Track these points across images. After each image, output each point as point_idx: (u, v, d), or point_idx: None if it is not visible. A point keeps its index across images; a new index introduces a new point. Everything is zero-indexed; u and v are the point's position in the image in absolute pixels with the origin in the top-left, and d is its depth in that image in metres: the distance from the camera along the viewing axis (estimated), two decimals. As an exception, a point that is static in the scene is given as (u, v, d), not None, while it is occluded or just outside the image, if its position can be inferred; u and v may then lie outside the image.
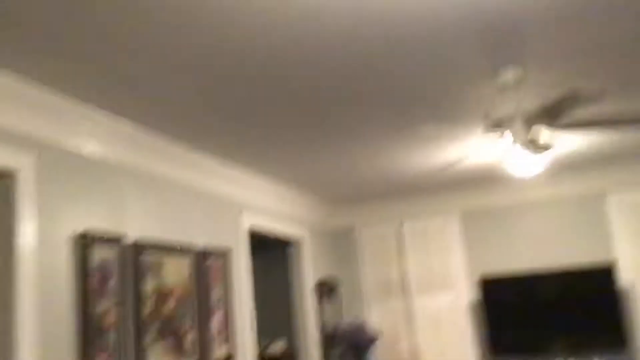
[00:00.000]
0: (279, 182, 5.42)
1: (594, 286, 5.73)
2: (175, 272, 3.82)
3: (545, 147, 3.51)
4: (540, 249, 6.11)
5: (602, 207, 5.99)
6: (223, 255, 4.39)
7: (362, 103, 3.57)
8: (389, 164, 5.15)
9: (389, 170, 5.36)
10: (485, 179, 6.05)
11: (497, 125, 3.22)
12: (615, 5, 2.60)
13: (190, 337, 3.87)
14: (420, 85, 3.33)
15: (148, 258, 3.58)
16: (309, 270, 6.02)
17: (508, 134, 3.25)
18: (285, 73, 3.06)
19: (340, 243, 6.87)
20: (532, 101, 3.09)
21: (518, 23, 2.71)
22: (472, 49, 2.94)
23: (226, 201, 4.68)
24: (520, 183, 6.18)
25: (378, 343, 6.29)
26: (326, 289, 6.34)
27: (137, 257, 3.50)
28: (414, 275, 6.50)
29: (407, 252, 6.56)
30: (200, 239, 4.21)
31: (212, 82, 3.10)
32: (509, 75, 3.18)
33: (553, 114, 2.96)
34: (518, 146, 3.41)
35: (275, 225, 5.44)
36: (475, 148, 4.72)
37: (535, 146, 3.41)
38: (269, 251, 6.09)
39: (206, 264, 4.15)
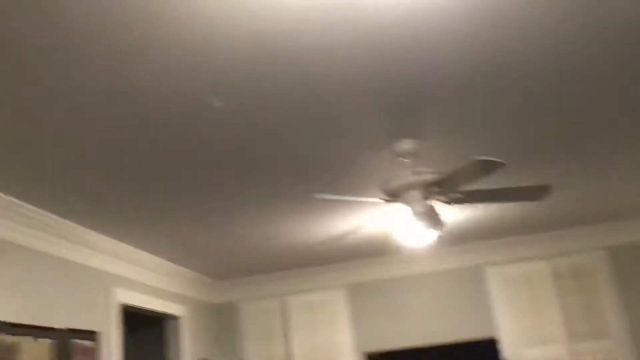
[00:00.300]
0: (155, 255, 5.02)
1: (479, 359, 5.73)
2: (33, 357, 3.30)
3: (439, 219, 3.46)
4: (427, 322, 6.07)
5: (482, 280, 6.09)
6: (91, 336, 3.89)
7: (246, 170, 3.36)
8: (275, 236, 4.93)
9: (274, 243, 5.14)
10: (372, 252, 5.99)
11: (394, 195, 3.13)
12: (514, 81, 2.64)
13: None
14: (313, 151, 3.19)
15: None
16: (187, 350, 5.55)
17: (404, 205, 3.17)
18: (163, 135, 2.81)
19: (222, 320, 6.47)
20: (430, 172, 3.03)
21: (418, 94, 2.67)
22: (371, 116, 2.86)
23: (96, 275, 4.21)
24: (407, 256, 6.18)
25: None
26: (205, 370, 5.87)
27: (-14, 340, 2.98)
28: (299, 352, 6.20)
29: (292, 329, 6.27)
30: (64, 318, 3.71)
31: (81, 142, 2.78)
32: (406, 145, 3.13)
33: (450, 185, 2.91)
34: (413, 217, 3.33)
35: (151, 302, 4.99)
36: (366, 219, 4.64)
37: (430, 218, 3.36)
38: (145, 329, 5.58)
39: (71, 347, 3.64)
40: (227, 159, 3.19)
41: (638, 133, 3.51)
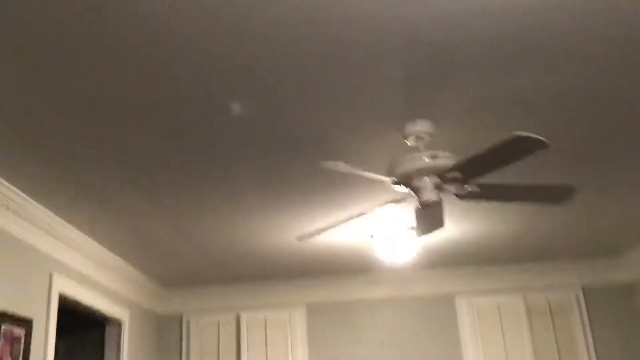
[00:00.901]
0: (105, 247, 4.44)
1: (445, 395, 5.32)
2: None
3: (442, 217, 3.10)
4: (389, 350, 5.64)
5: (451, 310, 5.73)
6: (24, 323, 3.30)
7: (227, 150, 2.94)
8: (241, 240, 4.47)
9: (238, 248, 4.66)
10: (337, 270, 5.56)
11: (403, 180, 2.74)
12: (537, 59, 2.35)
13: None
14: (312, 128, 2.78)
15: None
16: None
17: (412, 192, 2.78)
18: (137, 101, 2.38)
19: (167, 332, 5.86)
20: (448, 157, 2.67)
21: (445, 63, 2.34)
22: (386, 88, 2.50)
23: (37, 256, 3.63)
24: (373, 277, 5.78)
25: None
26: (143, 385, 5.25)
27: None
28: (249, 373, 5.64)
29: (244, 347, 5.72)
30: (-6, 298, 3.13)
31: (35, 94, 2.32)
32: (419, 127, 2.77)
33: (473, 171, 2.55)
34: (417, 209, 2.96)
35: (93, 298, 4.39)
36: (344, 228, 4.23)
37: (434, 213, 2.99)
38: (80, 333, 4.94)
39: (-3, 332, 3.06)
40: (209, 136, 2.77)
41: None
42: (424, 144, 2.79)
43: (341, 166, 2.47)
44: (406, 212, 3.98)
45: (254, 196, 3.62)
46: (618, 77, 2.52)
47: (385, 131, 2.84)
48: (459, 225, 4.46)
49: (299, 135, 2.86)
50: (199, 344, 5.77)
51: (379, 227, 4.30)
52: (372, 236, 4.51)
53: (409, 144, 2.82)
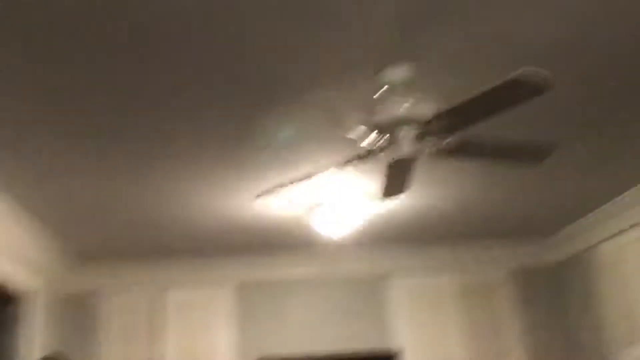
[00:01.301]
0: (16, 204, 3.88)
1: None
2: None
3: (409, 177, 2.86)
4: (320, 329, 5.40)
5: (383, 291, 5.55)
6: None
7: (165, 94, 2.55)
8: (174, 205, 4.06)
9: (167, 215, 4.24)
10: (268, 247, 5.23)
11: (379, 130, 2.46)
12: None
13: None
14: (277, 61, 2.44)
15: None
16: (35, 340, 4.38)
17: (388, 143, 2.51)
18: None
19: (81, 309, 5.32)
20: (433, 103, 2.41)
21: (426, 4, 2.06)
22: (366, 27, 2.20)
23: None
24: (304, 255, 5.50)
25: None
26: (53, 369, 4.70)
27: None
28: (172, 357, 5.20)
29: (167, 328, 5.28)
30: None
31: None
32: (401, 72, 2.49)
33: (463, 119, 2.30)
34: (388, 164, 2.69)
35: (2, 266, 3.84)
36: (286, 196, 3.92)
37: (404, 170, 2.74)
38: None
39: None
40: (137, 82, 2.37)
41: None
42: (404, 92, 2.52)
43: (328, 98, 2.15)
44: (352, 180, 3.73)
45: (194, 156, 3.24)
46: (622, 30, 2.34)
47: (362, 76, 2.54)
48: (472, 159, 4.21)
49: (255, 78, 2.50)
50: (113, 327, 5.27)
51: (320, 196, 4.02)
52: (313, 207, 4.23)
53: (386, 92, 2.54)
